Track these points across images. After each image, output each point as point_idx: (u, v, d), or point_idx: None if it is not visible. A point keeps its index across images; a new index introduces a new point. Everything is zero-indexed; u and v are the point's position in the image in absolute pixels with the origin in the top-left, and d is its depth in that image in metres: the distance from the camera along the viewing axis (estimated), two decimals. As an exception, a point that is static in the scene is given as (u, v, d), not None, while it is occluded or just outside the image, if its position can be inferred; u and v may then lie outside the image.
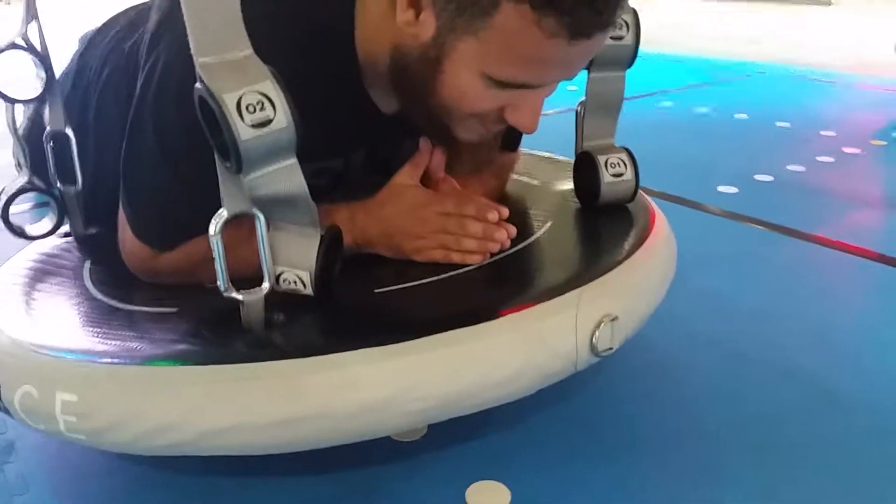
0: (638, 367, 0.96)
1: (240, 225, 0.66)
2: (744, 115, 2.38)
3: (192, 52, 0.61)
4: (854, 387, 0.93)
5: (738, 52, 3.66)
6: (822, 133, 2.15)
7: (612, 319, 0.71)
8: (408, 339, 0.65)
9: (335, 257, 0.70)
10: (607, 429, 0.85)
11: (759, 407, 0.89)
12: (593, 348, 0.70)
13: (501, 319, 0.68)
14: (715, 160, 1.92)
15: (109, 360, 0.66)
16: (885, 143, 2.08)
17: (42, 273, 0.88)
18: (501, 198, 0.97)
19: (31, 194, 0.93)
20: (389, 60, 0.74)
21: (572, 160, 0.95)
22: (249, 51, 0.62)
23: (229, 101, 0.60)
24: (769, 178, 1.75)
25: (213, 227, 0.65)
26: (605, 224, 0.90)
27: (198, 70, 0.61)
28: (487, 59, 0.67)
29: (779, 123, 2.27)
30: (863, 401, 0.90)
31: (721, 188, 1.67)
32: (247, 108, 0.60)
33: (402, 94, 0.77)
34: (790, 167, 1.83)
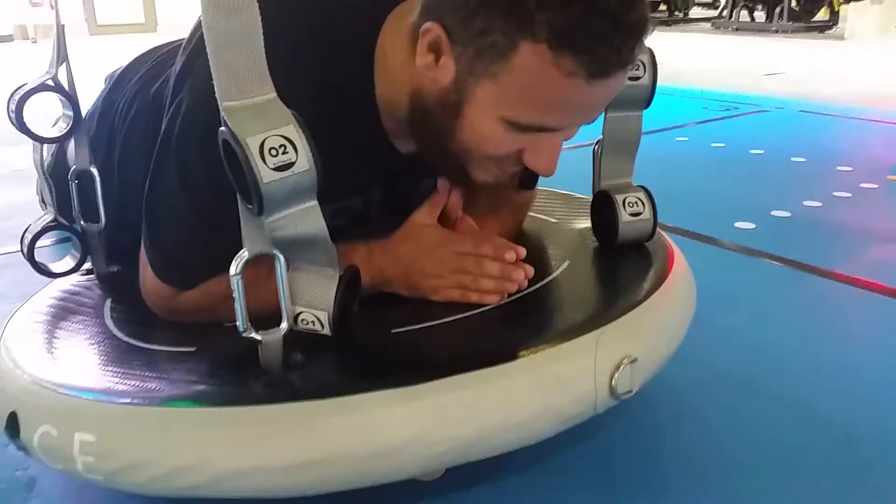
0: (656, 404, 0.95)
1: (259, 265, 0.67)
2: (759, 151, 2.38)
3: (217, 95, 0.62)
4: (873, 425, 0.91)
5: (752, 86, 3.67)
6: (839, 168, 2.14)
7: (632, 361, 0.70)
8: (425, 381, 0.65)
9: (353, 297, 0.71)
10: (626, 467, 0.84)
11: (779, 445, 0.88)
12: (612, 391, 0.69)
13: (519, 361, 0.68)
14: (731, 196, 1.91)
15: (128, 401, 0.66)
16: (902, 178, 2.06)
17: (63, 311, 0.89)
18: (518, 236, 0.97)
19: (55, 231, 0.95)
20: (408, 103, 0.75)
21: (589, 197, 0.96)
22: (273, 94, 0.64)
23: (252, 145, 0.61)
24: (786, 214, 1.74)
25: (235, 267, 0.65)
26: (623, 263, 0.89)
27: (222, 113, 0.62)
28: (506, 102, 0.68)
29: (794, 158, 2.27)
30: (882, 439, 0.89)
31: (738, 224, 1.66)
32: (269, 151, 0.61)
33: (421, 136, 0.78)
34: (807, 203, 1.82)
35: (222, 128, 0.62)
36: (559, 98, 0.67)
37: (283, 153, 0.61)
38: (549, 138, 0.72)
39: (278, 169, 0.61)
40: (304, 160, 0.62)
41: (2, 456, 0.84)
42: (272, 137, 0.61)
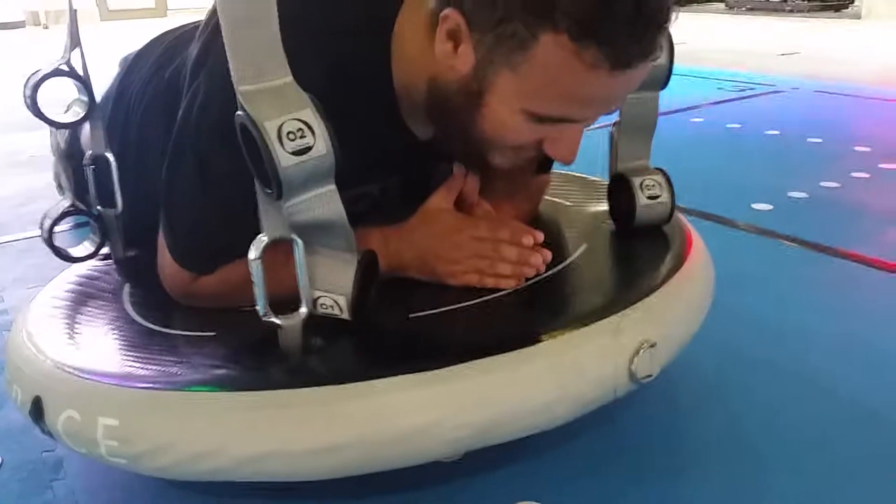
0: (675, 387, 0.94)
1: (277, 249, 0.67)
2: (775, 131, 2.35)
3: (233, 80, 0.62)
4: (894, 404, 0.91)
5: (767, 67, 3.63)
6: (857, 148, 2.12)
7: (651, 346, 0.70)
8: (444, 366, 0.65)
9: (371, 281, 0.70)
10: (646, 449, 0.84)
11: (800, 425, 0.88)
12: (632, 376, 0.69)
13: (538, 346, 0.68)
14: (747, 177, 1.90)
15: (150, 385, 0.67)
16: (921, 158, 2.04)
17: (82, 296, 0.90)
18: (535, 220, 0.96)
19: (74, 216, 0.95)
20: (426, 90, 0.75)
21: (605, 181, 0.95)
22: (289, 78, 0.63)
23: (270, 129, 0.61)
24: (804, 195, 1.72)
25: (254, 251, 0.66)
26: (641, 247, 0.89)
27: (239, 98, 0.62)
28: (527, 94, 0.68)
29: (811, 139, 2.24)
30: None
31: (755, 205, 1.65)
32: (287, 135, 0.61)
33: (439, 123, 0.78)
34: (824, 183, 1.80)
35: (239, 112, 0.62)
36: (581, 90, 0.66)
37: (301, 137, 0.61)
38: (569, 128, 0.72)
39: (296, 153, 0.61)
40: (321, 144, 0.62)
41: (29, 437, 0.85)
42: (290, 121, 0.61)
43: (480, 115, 0.71)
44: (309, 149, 0.62)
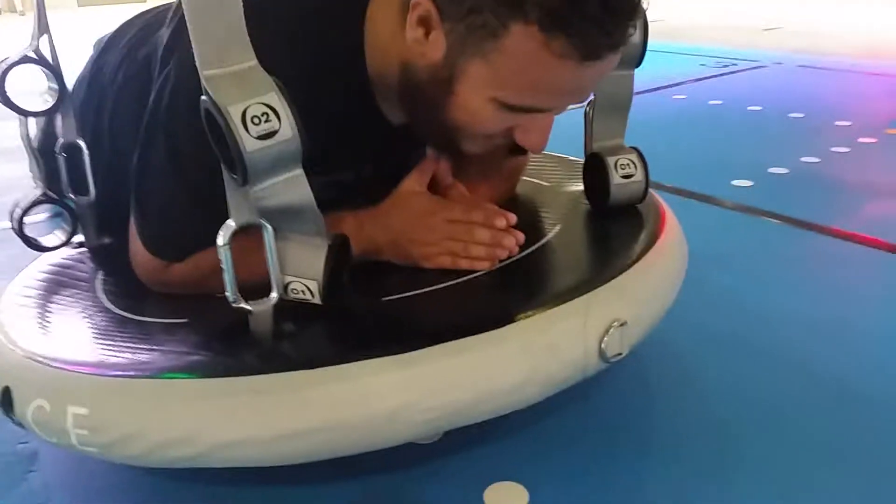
0: (653, 364, 0.95)
1: (248, 235, 0.67)
2: (757, 107, 2.36)
3: (197, 64, 0.61)
4: (872, 382, 0.91)
5: (750, 42, 3.62)
6: (837, 123, 2.12)
7: (621, 325, 0.70)
8: (416, 349, 0.65)
9: (343, 266, 0.70)
10: (623, 427, 0.85)
11: (776, 403, 0.88)
12: (602, 354, 0.69)
13: (509, 327, 0.68)
14: (729, 153, 1.90)
15: (120, 373, 0.67)
16: (901, 132, 2.05)
17: (55, 284, 0.89)
18: (510, 200, 0.96)
19: (46, 205, 0.94)
20: (399, 76, 0.74)
21: (582, 160, 0.95)
22: (254, 62, 0.63)
23: (234, 113, 0.60)
24: (784, 171, 1.73)
25: (221, 237, 0.65)
26: (615, 226, 0.89)
27: (203, 83, 0.61)
28: (497, 83, 0.68)
29: (792, 114, 2.25)
30: (881, 396, 0.89)
31: (735, 182, 1.65)
32: (252, 119, 0.60)
33: (411, 109, 0.77)
34: (805, 159, 1.81)
35: (203, 97, 0.61)
36: (550, 80, 0.67)
37: (266, 121, 0.61)
38: (539, 117, 0.72)
39: (261, 137, 0.60)
40: (287, 128, 0.61)
41: (3, 430, 0.84)
42: (254, 105, 0.61)
43: (451, 103, 0.71)
44: (274, 133, 0.61)
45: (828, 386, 0.91)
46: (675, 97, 2.54)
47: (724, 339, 1.02)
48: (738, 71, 2.97)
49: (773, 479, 0.76)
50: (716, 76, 2.90)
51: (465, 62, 0.68)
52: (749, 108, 2.36)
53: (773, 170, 1.73)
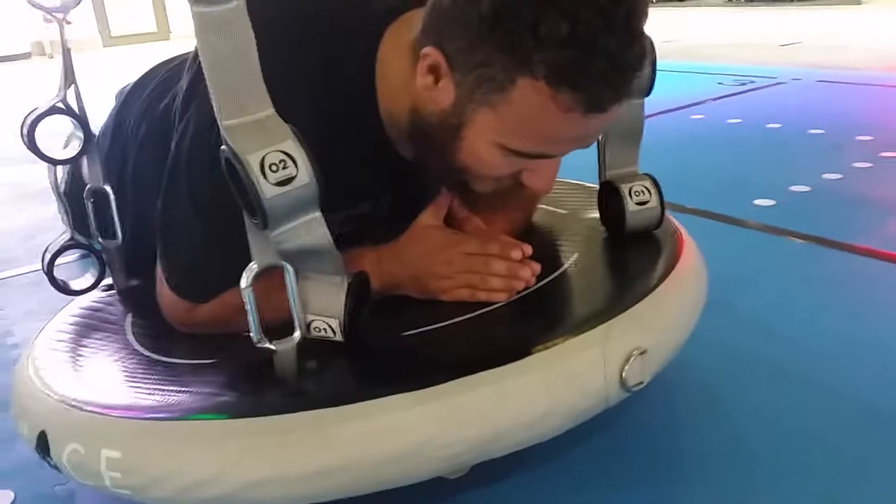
0: (677, 389, 0.94)
1: (271, 276, 0.68)
2: (777, 125, 2.34)
3: (216, 115, 0.63)
4: (899, 402, 0.90)
5: (768, 58, 3.61)
6: (858, 138, 2.10)
7: (641, 353, 0.70)
8: (437, 383, 0.66)
9: (363, 303, 0.72)
10: (650, 455, 0.85)
11: (802, 427, 0.87)
12: (623, 384, 0.70)
13: (529, 359, 0.68)
14: (749, 172, 1.89)
15: (151, 416, 0.68)
16: (924, 144, 2.02)
17: (86, 328, 0.91)
18: (527, 229, 0.97)
19: (76, 249, 0.97)
20: (408, 118, 0.77)
21: (597, 186, 0.96)
22: (271, 111, 0.65)
23: (253, 162, 0.62)
24: (806, 189, 1.71)
25: (245, 279, 0.67)
26: (632, 253, 0.90)
27: (222, 132, 0.63)
28: (505, 131, 0.70)
29: (812, 130, 2.23)
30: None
31: (757, 201, 1.64)
32: (270, 167, 0.62)
33: (420, 151, 0.80)
34: (827, 176, 1.79)
35: (223, 147, 0.63)
36: (556, 130, 0.69)
37: (284, 168, 0.63)
38: (546, 162, 0.74)
39: (280, 184, 0.62)
40: (304, 174, 0.63)
41: (41, 471, 0.86)
42: (272, 153, 0.63)
43: (459, 148, 0.73)
44: (292, 179, 0.63)
45: (856, 407, 0.90)
46: (693, 117, 2.54)
47: (750, 361, 1.01)
48: (756, 88, 2.96)
49: (800, 500, 0.76)
50: (734, 94, 2.89)
51: (473, 110, 0.70)
52: (768, 125, 2.35)
53: (794, 188, 1.72)
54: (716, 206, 1.59)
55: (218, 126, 0.64)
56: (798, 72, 3.20)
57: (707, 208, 1.58)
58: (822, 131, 2.22)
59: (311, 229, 0.66)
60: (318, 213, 0.66)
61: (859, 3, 6.01)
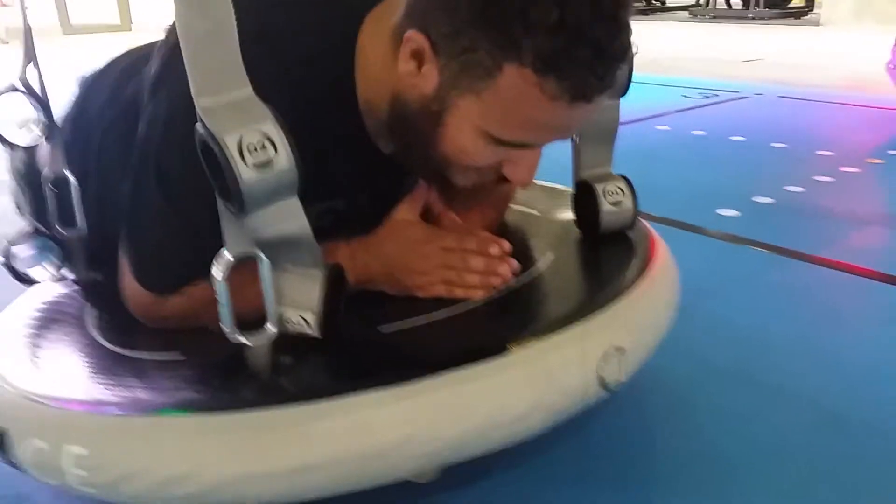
0: (642, 397, 0.95)
1: (242, 267, 0.66)
2: (740, 137, 2.39)
3: (193, 94, 0.61)
4: (862, 409, 0.92)
5: (731, 74, 3.69)
6: (819, 153, 2.16)
7: (620, 351, 0.70)
8: (414, 380, 0.64)
9: (339, 296, 0.70)
10: (619, 457, 0.85)
11: (767, 431, 0.88)
12: (602, 381, 0.69)
13: (507, 357, 0.67)
14: (713, 183, 1.92)
15: (118, 412, 0.65)
16: (882, 161, 2.08)
17: (45, 320, 0.88)
18: (501, 229, 0.97)
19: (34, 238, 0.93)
20: (389, 107, 0.75)
21: (570, 188, 0.96)
22: (249, 91, 0.63)
23: (230, 143, 0.60)
24: (769, 200, 1.75)
25: (217, 269, 0.65)
26: (606, 253, 0.90)
27: (198, 112, 0.61)
28: (488, 118, 0.69)
29: (775, 144, 2.28)
30: (871, 423, 0.89)
31: (721, 211, 1.67)
32: (248, 148, 0.60)
33: (400, 141, 0.78)
34: (789, 188, 1.83)
35: (199, 126, 0.61)
36: (541, 118, 0.68)
37: (263, 150, 0.61)
38: (527, 152, 0.73)
39: (258, 167, 0.61)
40: (283, 157, 0.62)
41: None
42: (250, 134, 0.61)
43: (440, 135, 0.71)
44: (270, 162, 0.61)
45: (818, 413, 0.92)
46: (658, 127, 2.57)
47: (716, 368, 1.02)
48: (720, 102, 3.02)
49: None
50: (698, 107, 2.94)
51: (456, 97, 0.68)
52: (732, 137, 2.39)
53: (758, 199, 1.75)
54: (681, 214, 1.62)
55: (192, 108, 0.61)
56: (760, 87, 3.27)
57: (672, 216, 1.60)
58: (784, 145, 2.27)
59: (289, 217, 0.64)
60: (296, 200, 0.64)
61: (818, 25, 6.18)
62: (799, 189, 1.83)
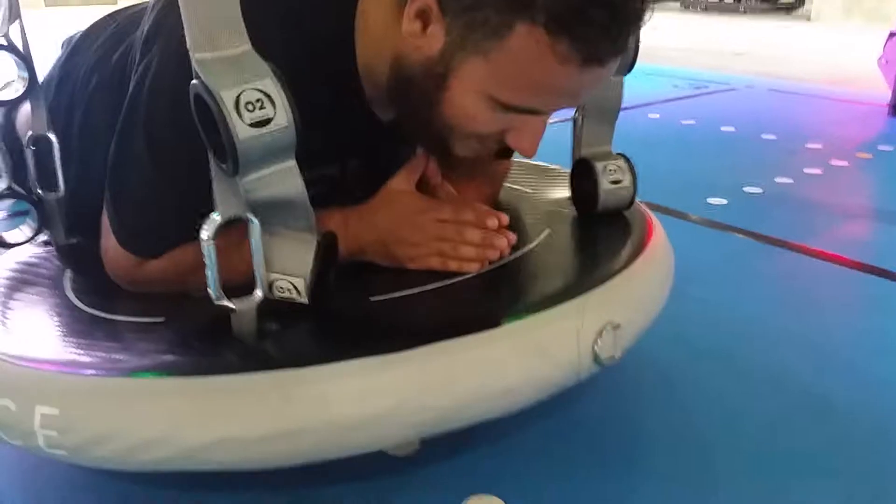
0: (632, 377, 0.94)
1: (229, 230, 0.64)
2: (730, 128, 2.39)
3: (189, 47, 0.58)
4: (846, 394, 0.93)
5: (722, 65, 3.69)
6: (809, 146, 2.16)
7: (615, 327, 0.69)
8: (404, 349, 0.63)
9: (331, 264, 0.67)
10: (603, 439, 0.84)
11: (753, 415, 0.89)
12: (596, 357, 0.68)
13: (501, 328, 0.66)
14: (703, 172, 1.92)
15: (92, 372, 0.63)
16: (871, 155, 2.09)
17: (19, 282, 0.85)
18: (496, 206, 0.95)
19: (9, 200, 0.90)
20: (390, 70, 0.72)
21: (564, 169, 0.94)
22: (248, 46, 0.60)
23: (227, 99, 0.57)
24: (758, 191, 1.75)
25: (206, 231, 0.62)
26: (603, 232, 0.88)
27: (194, 66, 0.58)
28: (496, 81, 0.66)
29: (765, 136, 2.28)
30: (855, 407, 0.90)
31: (711, 200, 1.67)
32: (245, 105, 0.58)
33: (401, 106, 0.75)
34: (778, 179, 1.83)
35: (194, 81, 0.58)
36: (550, 81, 0.66)
37: (261, 108, 0.58)
38: (533, 119, 0.71)
39: (255, 125, 0.58)
40: (282, 116, 0.59)
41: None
42: (248, 91, 0.58)
43: (444, 99, 0.69)
44: (269, 120, 0.58)
45: (803, 397, 0.92)
46: (649, 115, 2.57)
47: (703, 351, 1.02)
48: (710, 93, 3.02)
49: (752, 490, 0.76)
50: (688, 97, 2.94)
51: (463, 58, 0.66)
52: (722, 128, 2.39)
53: (747, 189, 1.75)
54: (670, 202, 1.61)
55: (186, 63, 0.58)
56: (750, 79, 3.28)
57: (662, 203, 1.59)
58: (774, 137, 2.27)
59: (285, 178, 0.62)
60: (293, 162, 0.62)
61: (808, 19, 6.21)
62: (788, 180, 1.83)
